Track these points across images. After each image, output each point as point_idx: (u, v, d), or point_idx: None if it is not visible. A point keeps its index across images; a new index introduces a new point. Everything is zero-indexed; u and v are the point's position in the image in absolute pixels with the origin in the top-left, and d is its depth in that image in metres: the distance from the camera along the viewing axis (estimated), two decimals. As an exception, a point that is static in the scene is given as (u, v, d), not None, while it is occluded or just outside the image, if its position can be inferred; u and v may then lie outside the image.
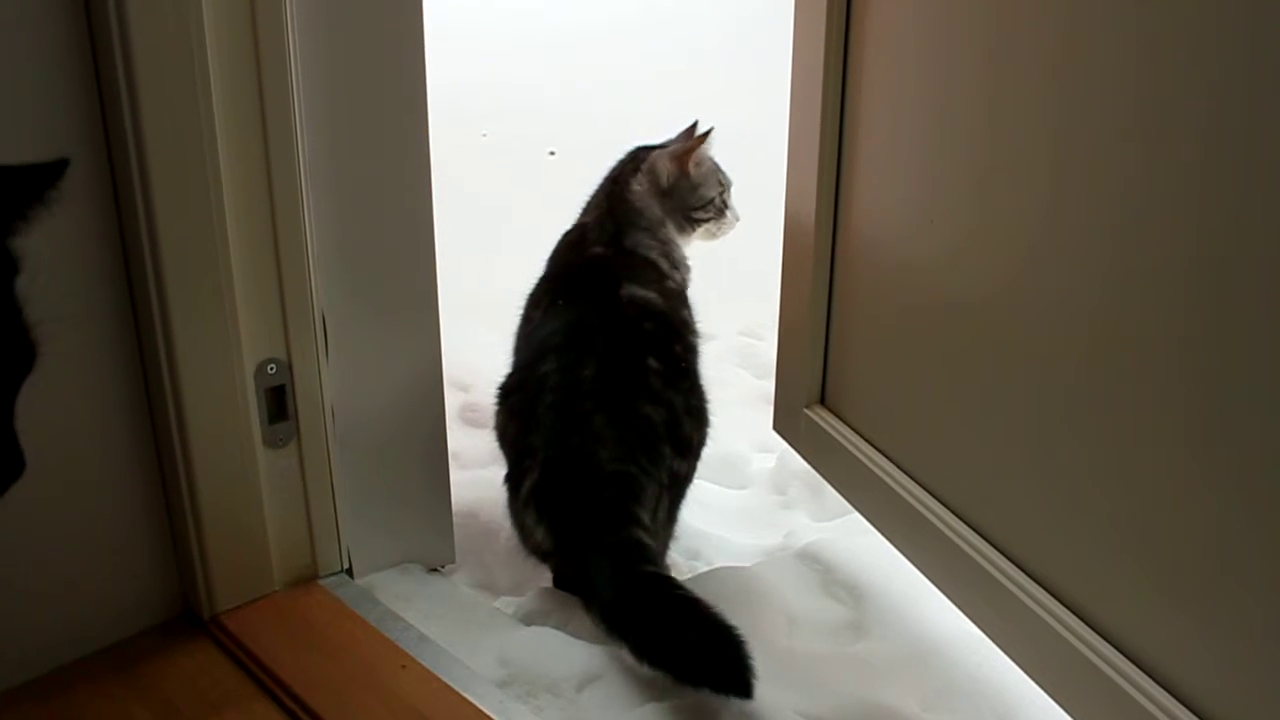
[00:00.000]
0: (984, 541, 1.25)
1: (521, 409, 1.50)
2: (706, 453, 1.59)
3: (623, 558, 1.34)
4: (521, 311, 1.65)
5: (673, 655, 1.23)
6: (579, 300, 1.56)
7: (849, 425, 1.52)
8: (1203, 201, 0.93)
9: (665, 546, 1.52)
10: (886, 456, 1.43)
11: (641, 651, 1.25)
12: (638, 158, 1.75)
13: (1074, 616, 1.12)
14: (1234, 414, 0.93)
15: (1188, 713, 0.98)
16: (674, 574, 1.57)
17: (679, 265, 1.70)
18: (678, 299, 1.63)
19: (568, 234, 1.72)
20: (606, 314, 1.52)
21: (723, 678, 1.20)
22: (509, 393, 1.55)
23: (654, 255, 1.66)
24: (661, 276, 1.64)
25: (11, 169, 0.75)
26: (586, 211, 1.74)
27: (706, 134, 1.73)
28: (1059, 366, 1.12)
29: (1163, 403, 1.00)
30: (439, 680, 1.20)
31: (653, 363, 1.49)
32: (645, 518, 1.41)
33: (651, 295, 1.57)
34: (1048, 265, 1.12)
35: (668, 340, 1.54)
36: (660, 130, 1.86)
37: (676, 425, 1.48)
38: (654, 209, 1.71)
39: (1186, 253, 0.95)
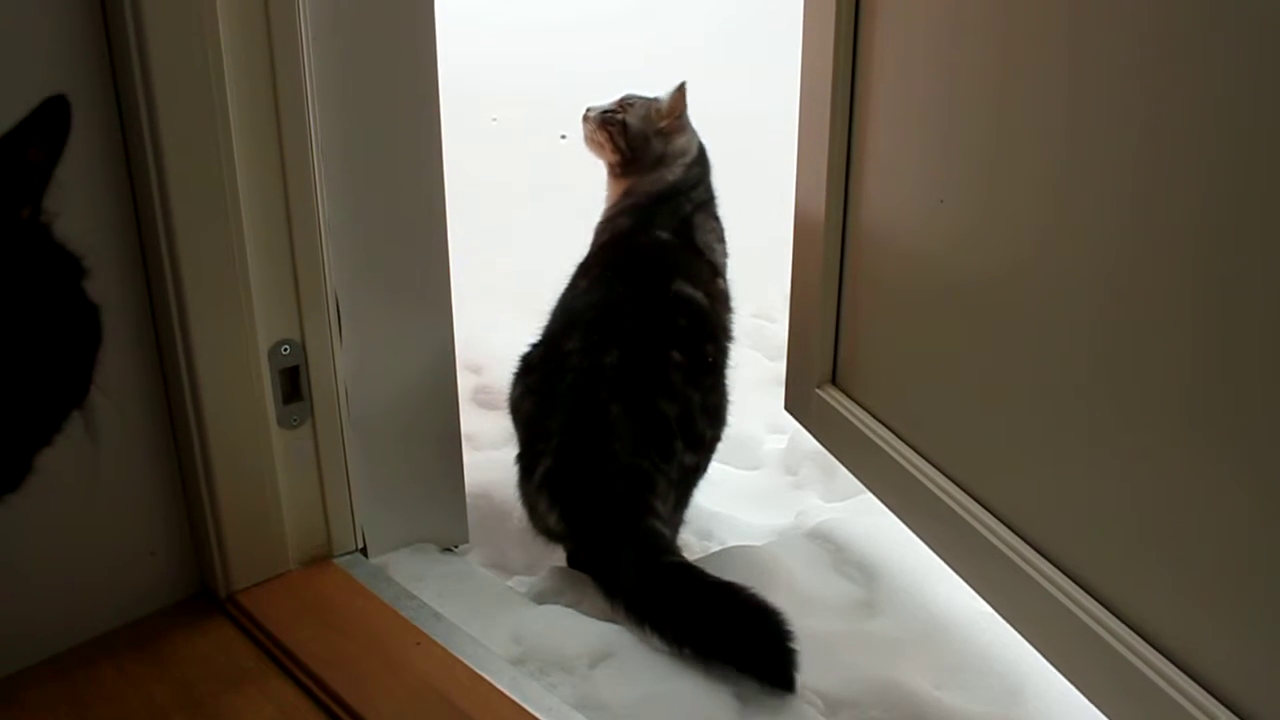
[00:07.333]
0: (995, 519, 1.25)
1: (540, 388, 1.51)
2: (718, 432, 1.59)
3: (644, 548, 1.36)
4: (570, 276, 1.63)
5: (718, 643, 1.26)
6: (626, 282, 1.55)
7: (860, 405, 1.52)
8: (1218, 172, 0.92)
9: (675, 532, 1.53)
10: (898, 435, 1.43)
11: (680, 638, 1.26)
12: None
13: (1085, 594, 1.12)
14: (1250, 393, 0.93)
15: (1199, 689, 0.99)
16: (685, 554, 1.58)
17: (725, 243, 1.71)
18: (722, 302, 1.63)
19: (620, 211, 1.69)
20: (646, 303, 1.52)
21: (767, 671, 1.24)
22: (530, 368, 1.56)
23: (718, 248, 1.67)
24: (715, 275, 1.64)
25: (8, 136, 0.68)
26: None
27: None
28: (1072, 344, 1.12)
29: (1176, 380, 1.00)
30: (453, 657, 1.21)
31: (677, 356, 1.49)
32: (660, 508, 1.42)
33: (699, 295, 1.57)
34: (1060, 243, 1.12)
35: (700, 338, 1.54)
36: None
37: (690, 421, 1.49)
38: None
39: (1202, 227, 0.95)
